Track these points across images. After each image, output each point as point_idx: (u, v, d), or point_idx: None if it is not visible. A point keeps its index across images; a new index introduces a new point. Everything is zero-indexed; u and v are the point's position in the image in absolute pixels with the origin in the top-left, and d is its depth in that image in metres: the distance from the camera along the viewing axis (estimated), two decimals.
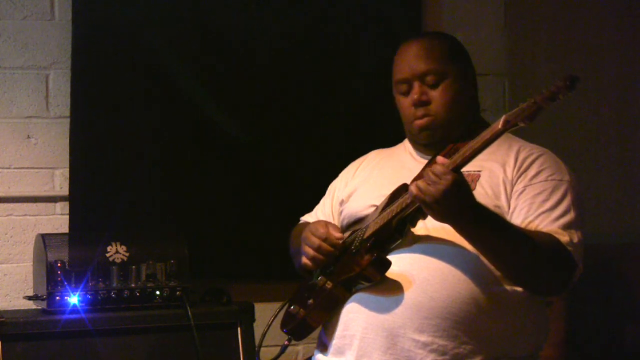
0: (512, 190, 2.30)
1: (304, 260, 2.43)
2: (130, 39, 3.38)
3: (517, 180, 2.31)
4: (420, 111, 2.40)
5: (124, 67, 3.38)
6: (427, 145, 2.43)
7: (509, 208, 2.30)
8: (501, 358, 2.25)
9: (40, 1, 3.38)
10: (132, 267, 3.07)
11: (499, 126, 2.02)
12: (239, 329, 3.09)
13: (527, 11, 3.71)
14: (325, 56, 3.56)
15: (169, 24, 3.42)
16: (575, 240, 2.22)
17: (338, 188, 2.65)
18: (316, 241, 2.38)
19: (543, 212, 2.25)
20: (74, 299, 2.98)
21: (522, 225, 2.24)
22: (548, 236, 2.21)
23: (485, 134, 2.05)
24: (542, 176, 2.31)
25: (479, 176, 2.33)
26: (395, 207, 2.26)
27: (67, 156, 3.35)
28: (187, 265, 3.12)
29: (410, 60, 2.43)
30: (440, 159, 2.10)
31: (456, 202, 2.06)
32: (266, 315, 2.57)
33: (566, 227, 2.23)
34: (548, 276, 2.23)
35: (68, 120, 3.36)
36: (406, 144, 2.58)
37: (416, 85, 2.41)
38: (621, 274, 3.23)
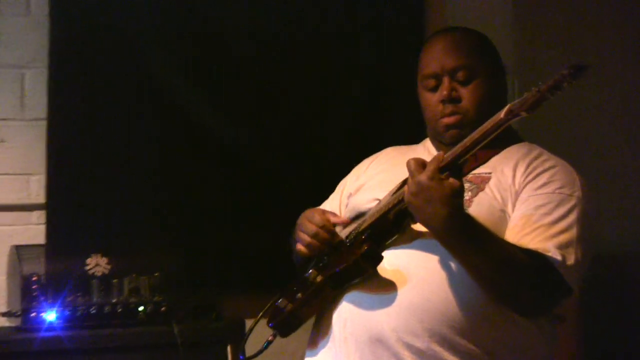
0: (516, 199, 2.22)
1: (299, 246, 2.38)
2: (112, 35, 3.33)
3: (523, 189, 2.24)
4: (449, 108, 2.34)
5: (106, 66, 3.34)
6: (452, 144, 2.31)
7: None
8: None
9: None
10: (113, 280, 3.05)
11: (502, 116, 1.96)
12: (228, 347, 3.05)
13: (537, 5, 3.68)
14: (326, 55, 3.55)
15: (154, 18, 3.39)
16: (571, 261, 2.11)
17: (349, 182, 2.59)
18: (312, 227, 2.34)
19: (540, 227, 2.15)
20: (50, 316, 2.95)
21: (517, 237, 2.15)
22: (536, 255, 2.11)
23: (487, 124, 1.99)
24: (550, 188, 2.22)
25: (489, 178, 2.26)
26: (392, 199, 2.19)
27: (44, 161, 3.33)
28: (174, 279, 3.12)
29: (439, 54, 2.38)
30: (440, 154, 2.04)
31: (431, 198, 2.00)
32: (258, 332, 2.44)
33: (563, 246, 2.13)
34: (528, 298, 2.14)
35: (45, 122, 3.33)
36: (427, 144, 2.50)
37: (446, 81, 2.35)
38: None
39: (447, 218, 2.01)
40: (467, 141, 2.00)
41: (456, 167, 2.03)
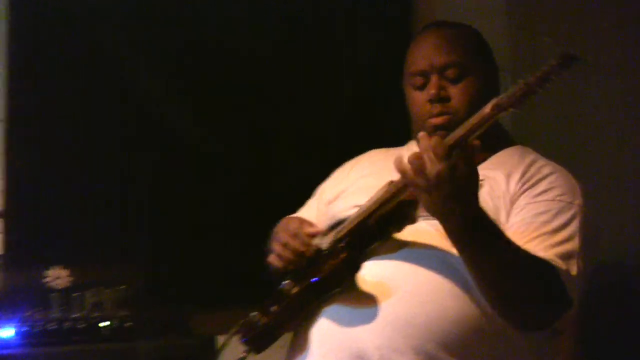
0: (512, 207, 2.19)
1: (270, 258, 2.33)
2: (77, 30, 3.28)
3: (519, 196, 2.21)
4: (437, 108, 2.31)
5: (70, 64, 3.28)
6: None
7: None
8: None
9: None
10: (75, 294, 3.01)
11: (487, 110, 1.91)
12: None
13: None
14: (312, 54, 3.53)
15: (123, 14, 3.34)
16: (573, 272, 2.09)
17: (328, 188, 2.58)
18: (283, 236, 2.30)
19: (541, 235, 2.12)
20: (7, 332, 2.91)
21: None
22: (542, 262, 2.07)
23: (472, 120, 1.94)
24: (549, 195, 2.20)
25: (481, 186, 2.14)
26: (372, 204, 2.15)
27: (2, 166, 3.27)
28: (140, 293, 3.09)
29: (428, 50, 2.35)
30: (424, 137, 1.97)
31: (454, 191, 1.92)
32: (231, 350, 2.37)
33: (564, 256, 2.10)
34: (536, 310, 2.09)
35: (3, 124, 3.27)
36: (412, 146, 2.44)
37: (434, 79, 2.33)
38: None
39: (469, 213, 1.95)
40: (449, 139, 1.94)
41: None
